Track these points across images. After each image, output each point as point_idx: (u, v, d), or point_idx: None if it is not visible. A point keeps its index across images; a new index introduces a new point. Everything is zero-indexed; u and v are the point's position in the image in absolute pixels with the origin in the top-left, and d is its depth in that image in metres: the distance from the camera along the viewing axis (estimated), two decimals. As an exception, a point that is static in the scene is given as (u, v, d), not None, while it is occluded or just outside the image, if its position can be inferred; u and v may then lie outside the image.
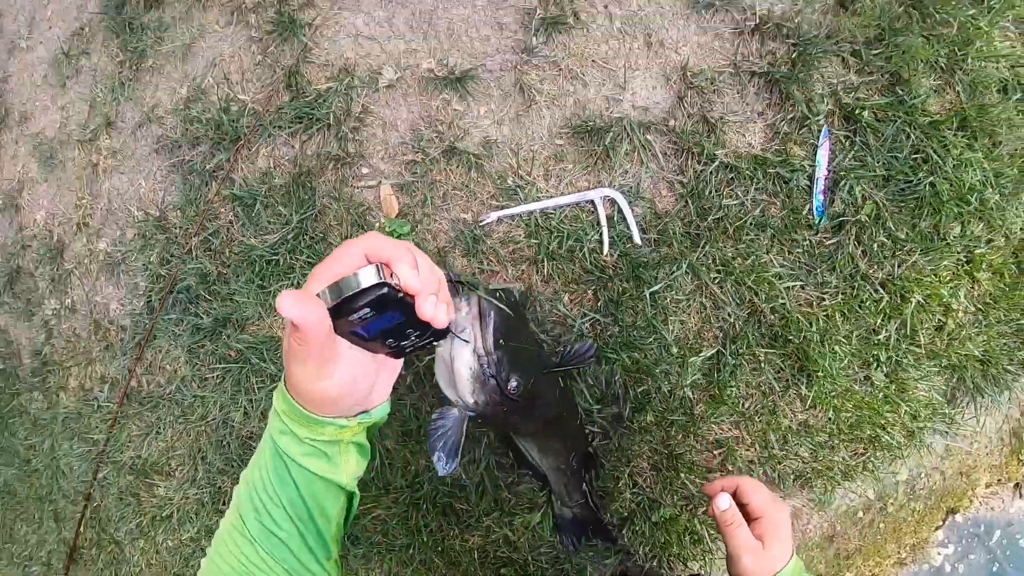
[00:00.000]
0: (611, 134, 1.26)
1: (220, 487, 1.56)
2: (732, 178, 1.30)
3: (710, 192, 1.28)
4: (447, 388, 0.66)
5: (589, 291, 1.28)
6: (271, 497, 0.53)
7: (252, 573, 0.53)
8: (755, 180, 1.30)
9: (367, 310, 0.48)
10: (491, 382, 0.61)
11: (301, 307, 0.46)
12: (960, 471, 1.51)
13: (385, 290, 0.48)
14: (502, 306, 0.64)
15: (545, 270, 1.26)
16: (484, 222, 1.26)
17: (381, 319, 0.50)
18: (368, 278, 0.47)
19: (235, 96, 1.49)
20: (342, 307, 0.48)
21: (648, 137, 1.28)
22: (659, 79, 1.31)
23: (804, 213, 1.29)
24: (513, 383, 0.64)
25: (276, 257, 1.36)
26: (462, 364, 0.61)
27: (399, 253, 0.49)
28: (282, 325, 1.43)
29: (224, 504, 1.55)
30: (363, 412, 0.56)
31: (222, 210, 1.42)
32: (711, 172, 1.28)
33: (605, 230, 1.26)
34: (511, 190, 1.26)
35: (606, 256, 1.26)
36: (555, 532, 1.31)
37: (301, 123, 1.39)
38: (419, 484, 1.36)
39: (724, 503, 0.79)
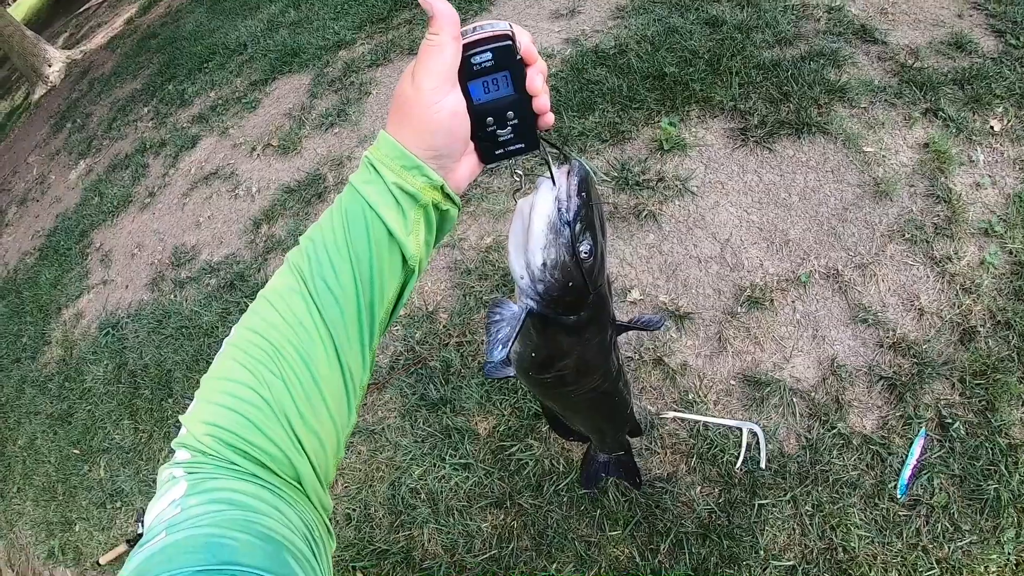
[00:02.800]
0: (768, 388, 1.77)
1: (371, 513, 1.93)
2: (843, 445, 1.75)
3: (824, 450, 1.75)
4: (517, 252, 0.66)
5: (716, 489, 1.76)
6: (339, 249, 0.53)
7: (294, 329, 0.51)
8: (859, 452, 1.75)
9: (488, 56, 0.52)
10: (565, 232, 0.61)
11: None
12: None
13: (510, 42, 0.52)
14: (594, 174, 0.70)
15: (691, 463, 1.76)
16: (662, 416, 1.79)
17: (495, 82, 0.54)
18: (502, 26, 0.52)
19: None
20: (471, 45, 0.52)
21: (793, 399, 1.78)
22: (814, 362, 1.82)
23: (889, 487, 1.70)
24: (586, 245, 0.63)
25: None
26: (540, 213, 0.61)
27: (522, 31, 0.55)
28: (493, 419, 1.97)
29: (370, 527, 2.01)
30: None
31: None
32: (830, 436, 1.75)
33: (743, 451, 1.75)
34: (689, 402, 1.78)
35: (737, 468, 1.75)
36: (581, 464, 1.39)
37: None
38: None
39: None
